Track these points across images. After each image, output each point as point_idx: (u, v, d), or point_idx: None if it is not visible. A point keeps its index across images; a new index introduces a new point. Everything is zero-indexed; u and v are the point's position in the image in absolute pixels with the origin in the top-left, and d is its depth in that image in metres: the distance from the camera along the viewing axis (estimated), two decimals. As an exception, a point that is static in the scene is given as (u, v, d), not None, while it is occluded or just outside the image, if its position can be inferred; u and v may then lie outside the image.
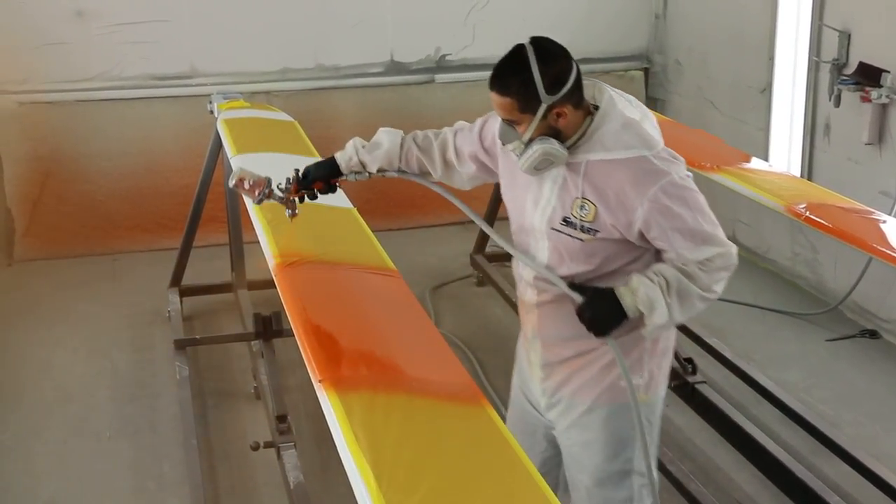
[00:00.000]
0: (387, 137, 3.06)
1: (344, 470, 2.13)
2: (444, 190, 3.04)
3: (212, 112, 5.39)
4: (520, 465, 2.20)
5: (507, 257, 6.33)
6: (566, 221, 2.67)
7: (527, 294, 2.89)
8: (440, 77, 7.14)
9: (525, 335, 2.98)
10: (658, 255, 2.69)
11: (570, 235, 2.67)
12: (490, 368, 5.14)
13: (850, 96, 5.31)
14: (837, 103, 5.41)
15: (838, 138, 5.55)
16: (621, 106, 2.67)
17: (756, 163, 4.60)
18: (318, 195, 3.06)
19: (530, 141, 2.62)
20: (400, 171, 3.06)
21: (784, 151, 6.05)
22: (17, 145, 6.57)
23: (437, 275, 6.29)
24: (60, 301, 6.02)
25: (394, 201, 6.89)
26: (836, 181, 5.24)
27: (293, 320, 2.80)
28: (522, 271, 2.87)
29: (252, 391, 4.85)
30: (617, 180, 2.59)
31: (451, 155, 3.03)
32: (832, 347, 5.33)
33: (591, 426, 2.83)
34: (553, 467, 3.03)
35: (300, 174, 3.02)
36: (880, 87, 5.06)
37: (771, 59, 6.05)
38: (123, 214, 6.78)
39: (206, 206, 5.64)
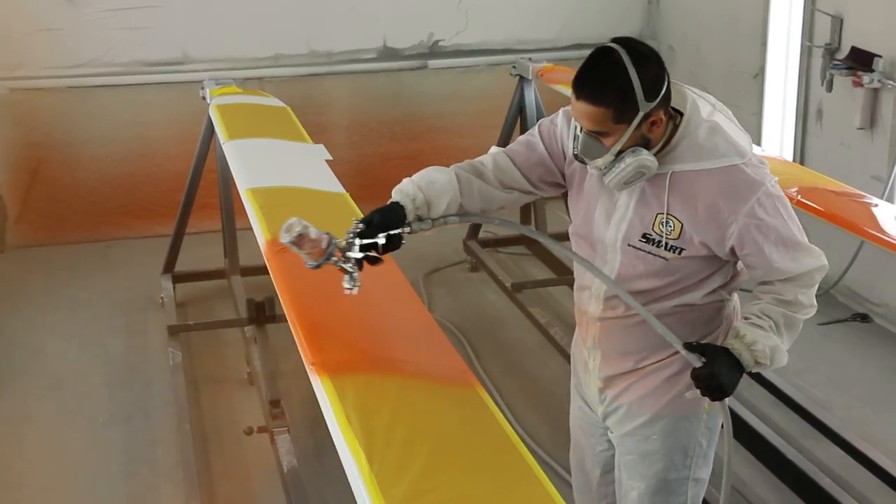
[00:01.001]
0: (438, 173, 2.57)
1: (337, 454, 2.13)
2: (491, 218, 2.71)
3: (204, 98, 5.38)
4: (511, 445, 2.20)
5: (499, 243, 6.38)
6: (647, 238, 2.47)
7: (590, 306, 2.66)
8: (433, 63, 7.13)
9: (583, 342, 2.76)
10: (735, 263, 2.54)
11: (650, 253, 2.47)
12: (483, 353, 5.16)
13: (842, 81, 5.31)
14: (830, 88, 5.42)
15: (830, 123, 5.55)
16: (706, 108, 2.46)
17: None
18: (381, 254, 2.47)
19: (620, 153, 2.37)
20: (463, 216, 2.60)
21: (776, 136, 6.06)
22: (8, 132, 6.55)
23: (431, 260, 6.29)
24: (53, 288, 6.02)
25: (387, 186, 6.82)
26: (829, 166, 5.24)
27: (285, 304, 2.81)
28: (591, 283, 2.63)
29: (245, 377, 4.85)
30: (708, 193, 2.38)
31: (512, 180, 2.63)
32: (824, 331, 5.35)
33: (652, 437, 2.68)
34: (615, 467, 2.88)
35: (358, 227, 2.44)
36: (872, 71, 5.06)
37: (764, 44, 6.05)
38: (116, 201, 6.77)
39: (199, 192, 5.63)
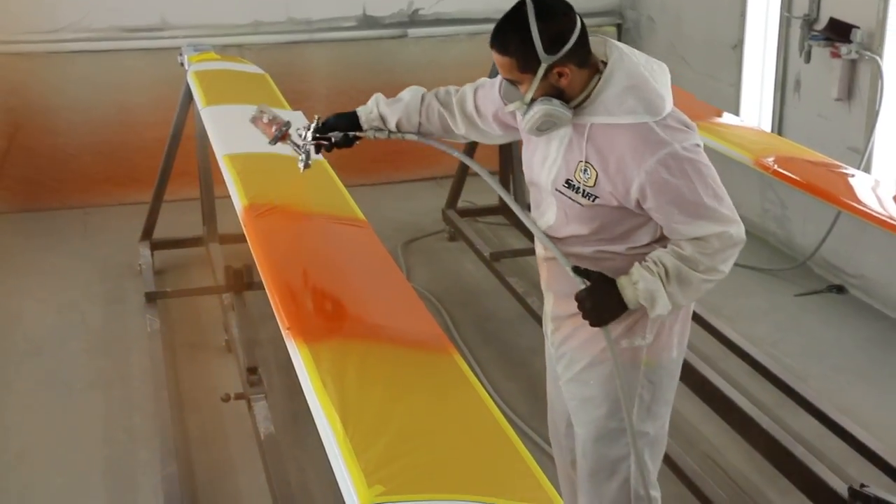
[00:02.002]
0: (408, 93, 2.99)
1: (314, 421, 2.14)
2: (450, 147, 3.01)
3: (182, 65, 5.34)
4: (486, 411, 2.23)
5: (477, 213, 6.39)
6: (568, 184, 2.59)
7: (538, 248, 2.83)
8: (413, 32, 7.09)
9: (542, 287, 2.91)
10: None
11: (570, 198, 2.59)
12: (461, 322, 5.18)
13: (820, 52, 5.33)
14: (808, 59, 5.43)
15: (808, 94, 5.57)
16: (630, 65, 2.53)
17: (726, 117, 4.62)
18: (335, 147, 2.99)
19: (532, 101, 2.51)
20: (419, 133, 2.98)
21: (755, 107, 6.08)
22: (-15, 97, 6.50)
23: (410, 230, 6.30)
24: (30, 254, 5.99)
25: (367, 156, 6.79)
26: (806, 137, 5.27)
27: (262, 269, 2.81)
28: (533, 227, 2.79)
29: (223, 344, 4.85)
30: (618, 147, 2.49)
31: (470, 109, 2.92)
32: (800, 302, 5.39)
33: (591, 381, 2.77)
34: None
35: (319, 122, 2.95)
36: (850, 42, 5.07)
37: (742, 14, 6.05)
38: (94, 168, 6.73)
39: (178, 159, 5.60)
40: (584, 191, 2.56)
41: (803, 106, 5.62)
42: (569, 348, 2.81)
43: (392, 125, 2.95)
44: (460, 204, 6.29)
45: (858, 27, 5.06)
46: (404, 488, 1.89)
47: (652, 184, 2.45)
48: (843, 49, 5.10)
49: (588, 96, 2.53)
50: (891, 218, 3.50)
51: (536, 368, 4.71)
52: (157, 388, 4.41)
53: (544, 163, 2.66)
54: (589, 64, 2.52)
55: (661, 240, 2.62)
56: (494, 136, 2.97)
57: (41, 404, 4.48)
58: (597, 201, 2.55)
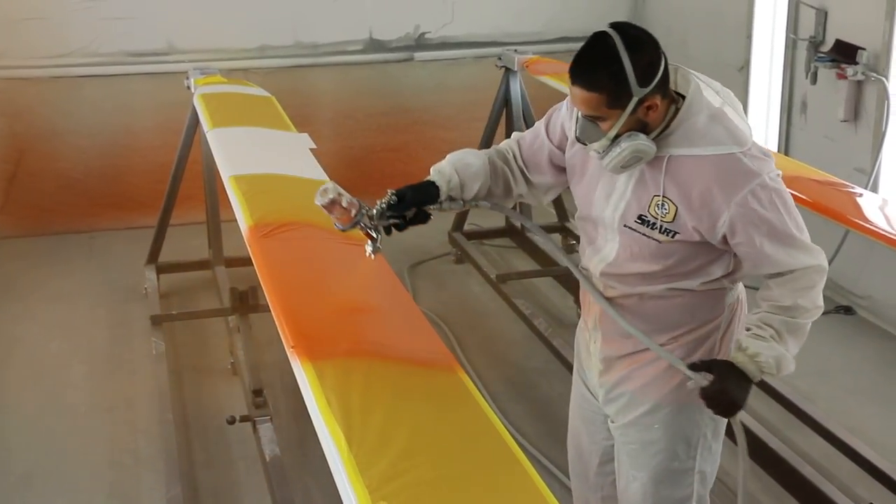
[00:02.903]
0: (471, 156, 2.67)
1: (320, 443, 2.12)
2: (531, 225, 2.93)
3: (189, 88, 5.37)
4: (492, 428, 2.20)
5: (483, 235, 6.38)
6: (642, 220, 2.47)
7: (597, 284, 2.67)
8: (419, 55, 7.12)
9: (586, 325, 2.77)
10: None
11: (645, 235, 2.47)
12: (467, 344, 5.15)
13: (826, 73, 5.33)
14: (814, 81, 5.44)
15: (815, 115, 5.57)
16: (708, 95, 2.44)
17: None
18: (408, 226, 2.59)
19: (616, 137, 2.38)
20: (493, 203, 2.71)
21: (761, 129, 6.07)
22: (-8, 121, 6.53)
23: (416, 252, 6.29)
24: (36, 278, 6.00)
25: (372, 179, 6.85)
26: (813, 158, 5.24)
27: (266, 288, 2.80)
28: (588, 263, 2.66)
29: (229, 367, 4.84)
30: (703, 179, 2.36)
31: (521, 164, 2.73)
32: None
33: (654, 426, 2.66)
34: (614, 456, 2.85)
35: (393, 199, 2.53)
36: (856, 64, 5.08)
37: (749, 37, 6.06)
38: (100, 192, 6.75)
39: (184, 183, 5.62)
40: (661, 226, 2.44)
41: (810, 127, 5.62)
42: (626, 390, 2.68)
43: (471, 193, 2.63)
44: (466, 227, 6.29)
45: (864, 49, 5.07)
46: (409, 505, 1.87)
47: (743, 216, 2.35)
48: (850, 70, 5.10)
49: (666, 128, 2.41)
50: (899, 237, 3.48)
51: (543, 391, 4.71)
52: (162, 411, 4.39)
53: (609, 198, 2.53)
54: (668, 95, 2.41)
55: (733, 273, 2.55)
56: (544, 187, 2.75)
57: (46, 427, 4.46)
58: (676, 237, 2.44)
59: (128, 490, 4.03)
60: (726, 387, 2.41)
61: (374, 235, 2.54)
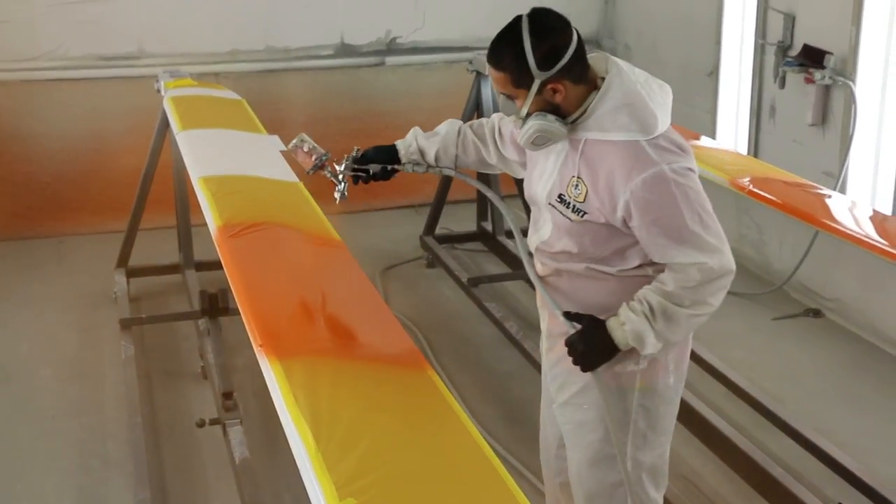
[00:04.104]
0: (445, 126, 2.98)
1: (290, 446, 2.10)
2: (480, 183, 3.01)
3: (159, 91, 5.34)
4: (461, 426, 2.20)
5: (455, 239, 6.39)
6: (560, 198, 2.58)
7: (536, 265, 2.78)
8: (391, 60, 7.12)
9: (537, 303, 2.91)
10: None
11: (562, 213, 2.58)
12: (439, 347, 5.15)
13: (794, 78, 5.36)
14: (782, 85, 5.48)
15: (783, 119, 5.61)
16: (627, 82, 2.51)
17: (703, 140, 4.64)
18: (372, 180, 2.97)
19: (527, 116, 2.52)
20: (457, 169, 2.98)
21: (731, 133, 6.12)
22: (-40, 125, 6.46)
23: (388, 257, 6.29)
24: (4, 283, 5.95)
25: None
26: (782, 162, 5.27)
27: (235, 288, 2.79)
28: (530, 241, 2.79)
29: (199, 371, 4.80)
30: (607, 163, 2.48)
31: (496, 136, 2.92)
32: (777, 326, 5.40)
33: (584, 406, 2.73)
34: None
35: (358, 154, 2.94)
36: (823, 68, 5.11)
37: (718, 42, 6.10)
38: (70, 196, 6.70)
39: (154, 187, 5.58)
40: (573, 206, 2.55)
41: (778, 131, 5.66)
42: (562, 370, 2.77)
43: (431, 158, 2.93)
44: (438, 231, 6.29)
45: (832, 53, 5.11)
46: (377, 501, 1.86)
47: (636, 202, 2.44)
48: (817, 75, 5.14)
49: (585, 112, 2.52)
50: (867, 237, 3.51)
51: (514, 393, 4.71)
52: (131, 415, 4.35)
53: (541, 177, 2.66)
54: (587, 80, 2.52)
55: (654, 264, 2.58)
56: (514, 162, 2.92)
57: (13, 432, 4.41)
58: (585, 217, 2.54)
59: (96, 494, 3.99)
60: (587, 339, 2.53)
61: (337, 182, 2.94)
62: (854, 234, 3.53)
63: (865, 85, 5.02)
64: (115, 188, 6.61)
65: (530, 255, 2.76)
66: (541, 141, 2.53)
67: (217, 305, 4.83)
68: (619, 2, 7.32)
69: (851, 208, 3.93)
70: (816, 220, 3.68)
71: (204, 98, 5.12)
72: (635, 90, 2.51)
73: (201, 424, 4.06)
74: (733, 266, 2.52)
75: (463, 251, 6.38)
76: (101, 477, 4.10)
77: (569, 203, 2.56)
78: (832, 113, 5.21)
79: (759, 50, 5.72)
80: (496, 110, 5.79)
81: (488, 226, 6.26)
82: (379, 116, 7.12)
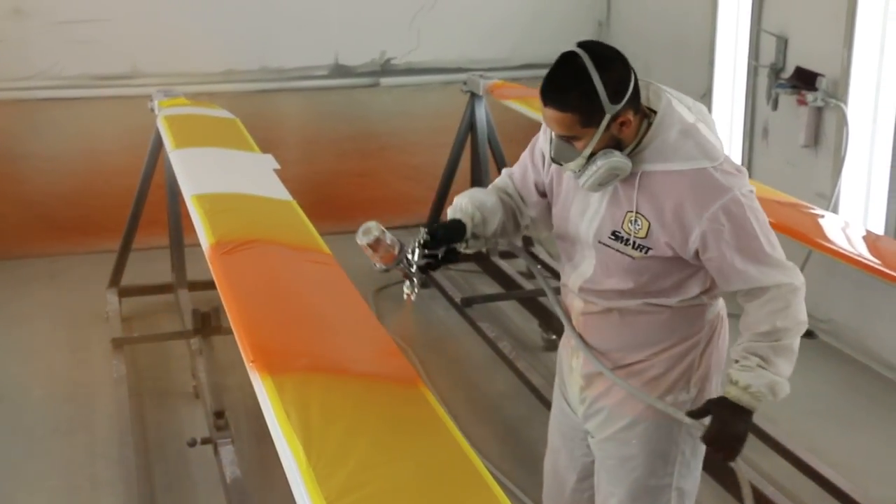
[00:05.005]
0: (483, 195, 2.69)
1: (282, 465, 2.09)
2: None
3: (152, 110, 5.34)
4: (453, 442, 2.19)
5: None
6: (616, 236, 2.47)
7: (573, 303, 2.68)
8: (385, 80, 7.14)
9: (568, 341, 2.76)
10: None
11: (619, 251, 2.47)
12: (432, 368, 5.13)
13: (787, 100, 5.39)
14: (775, 106, 5.50)
15: (776, 141, 5.63)
16: (680, 110, 2.44)
17: (695, 161, 4.64)
18: (441, 265, 2.63)
19: (591, 155, 2.38)
20: (508, 243, 2.82)
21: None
22: (-47, 144, 6.46)
23: (381, 277, 6.18)
24: (-5, 302, 5.93)
25: (337, 204, 6.85)
26: (775, 183, 5.28)
27: (227, 304, 2.78)
28: (568, 281, 2.67)
29: (191, 390, 4.79)
30: (675, 194, 2.37)
31: (516, 196, 2.75)
32: (770, 347, 5.38)
33: (632, 441, 2.65)
34: (593, 472, 2.83)
35: (426, 237, 2.55)
36: (816, 90, 5.14)
37: (711, 64, 6.13)
38: (62, 216, 6.69)
39: (148, 208, 5.58)
40: (634, 242, 2.45)
41: (771, 153, 5.68)
42: (605, 405, 2.67)
43: (491, 229, 2.65)
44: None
45: (824, 75, 5.14)
46: (367, 517, 1.86)
47: (714, 231, 2.35)
48: (810, 97, 5.17)
49: (638, 144, 2.42)
50: (861, 256, 3.52)
51: (508, 413, 4.69)
52: (122, 434, 4.34)
53: (583, 215, 2.53)
54: (640, 110, 2.42)
55: (711, 289, 2.54)
56: (540, 217, 2.75)
57: (3, 452, 4.38)
58: (650, 253, 2.44)
59: (85, 514, 3.97)
60: (725, 426, 2.43)
61: (412, 275, 2.57)
62: (847, 254, 3.54)
63: (857, 107, 5.04)
64: (108, 208, 6.60)
65: (569, 320, 2.67)
66: (609, 180, 2.40)
67: (209, 324, 4.82)
68: (612, 24, 7.36)
69: (844, 228, 3.95)
70: (810, 239, 3.69)
71: (198, 117, 5.12)
72: (688, 116, 2.44)
73: (193, 444, 4.03)
74: (803, 278, 2.48)
75: (456, 271, 6.37)
76: (92, 497, 4.08)
77: (628, 240, 2.45)
78: (824, 134, 5.24)
79: (752, 72, 5.75)
80: (490, 130, 5.92)
81: (482, 246, 6.25)
82: (373, 137, 7.14)
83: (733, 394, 2.41)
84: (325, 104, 7.03)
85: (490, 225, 2.65)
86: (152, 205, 5.61)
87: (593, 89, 2.30)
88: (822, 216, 3.95)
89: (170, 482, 4.16)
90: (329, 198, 6.77)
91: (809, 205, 4.11)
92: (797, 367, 5.15)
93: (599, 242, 2.51)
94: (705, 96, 6.20)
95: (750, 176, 5.87)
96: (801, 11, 5.37)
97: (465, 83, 5.98)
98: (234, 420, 4.31)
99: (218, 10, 6.72)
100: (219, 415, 4.14)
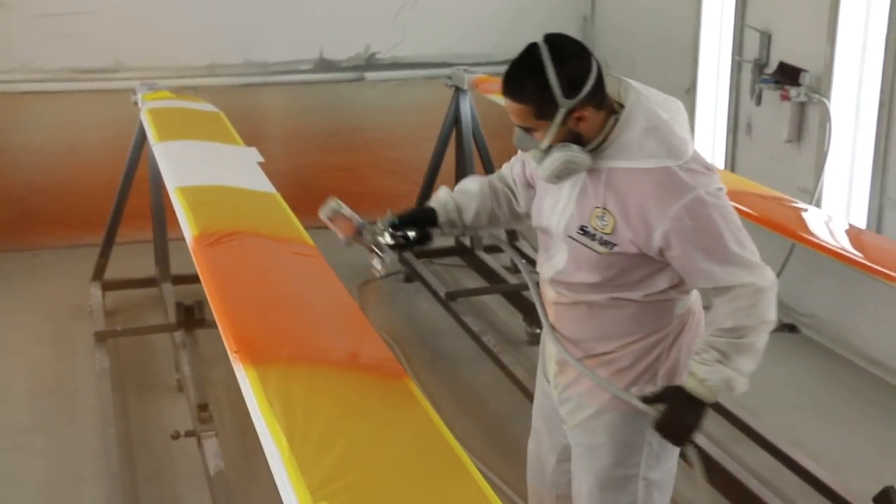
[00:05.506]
0: (474, 184, 2.82)
1: (266, 457, 2.08)
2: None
3: (136, 103, 5.32)
4: (437, 432, 2.19)
5: (433, 254, 6.37)
6: (583, 231, 2.48)
7: (546, 292, 2.70)
8: (370, 75, 7.13)
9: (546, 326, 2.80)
10: None
11: (586, 246, 2.48)
12: (417, 362, 5.13)
13: (770, 95, 5.41)
14: (759, 102, 5.52)
15: (760, 136, 5.65)
16: (649, 106, 2.43)
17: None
18: (410, 247, 2.76)
19: (549, 148, 2.40)
20: (491, 234, 2.90)
21: (708, 150, 6.15)
22: (-66, 138, 6.42)
23: (366, 271, 6.14)
24: (-24, 296, 5.90)
25: (321, 198, 6.74)
26: (758, 178, 5.30)
27: (210, 296, 2.77)
28: (541, 269, 2.68)
29: (175, 383, 4.77)
30: (639, 192, 2.37)
31: (511, 182, 2.82)
32: (753, 341, 5.40)
33: (598, 430, 2.66)
34: (571, 457, 2.86)
35: (395, 218, 2.71)
36: (799, 85, 5.16)
37: (695, 59, 6.15)
38: (45, 209, 6.66)
39: (131, 202, 5.56)
40: (601, 238, 2.45)
41: (755, 148, 5.70)
42: (574, 393, 2.70)
43: (469, 216, 2.76)
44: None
45: (807, 71, 5.15)
46: (351, 504, 1.85)
47: (677, 231, 2.35)
48: (793, 92, 5.19)
49: (605, 139, 2.42)
50: (843, 250, 3.54)
51: (492, 407, 4.70)
52: (105, 428, 4.31)
53: (554, 208, 2.56)
54: (606, 105, 2.41)
55: (679, 285, 2.54)
56: (525, 206, 2.81)
57: (-16, 445, 4.38)
58: (615, 249, 2.44)
59: (67, 507, 3.96)
60: (677, 414, 2.44)
61: (378, 251, 2.70)
62: (830, 247, 3.56)
63: (840, 102, 5.07)
64: (91, 201, 6.58)
65: (553, 327, 2.69)
66: (566, 173, 2.42)
67: (193, 317, 4.81)
68: (597, 20, 7.37)
69: (827, 222, 3.96)
70: (793, 232, 3.70)
71: (182, 110, 5.11)
72: (656, 113, 2.42)
73: (176, 437, 4.02)
74: (774, 276, 2.46)
75: (441, 266, 6.38)
76: (75, 490, 4.06)
77: (594, 235, 2.46)
78: (807, 130, 5.26)
79: (736, 67, 5.77)
80: (475, 125, 5.92)
81: (466, 241, 6.26)
82: (358, 131, 7.13)
83: (690, 385, 2.43)
84: (309, 98, 7.03)
85: (467, 212, 2.74)
86: (136, 198, 5.59)
87: (547, 83, 2.32)
88: (805, 210, 3.97)
89: (153, 475, 4.15)
90: (313, 192, 6.64)
91: (790, 198, 4.13)
92: (780, 362, 5.22)
93: (569, 237, 2.52)
94: (689, 91, 6.21)
95: (733, 170, 5.96)
96: (784, 7, 5.39)
97: (449, 78, 5.98)
98: (218, 413, 4.31)
99: (202, 4, 6.70)
100: (202, 408, 4.13)
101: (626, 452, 2.66)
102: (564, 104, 2.33)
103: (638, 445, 2.66)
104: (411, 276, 6.14)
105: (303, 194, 6.46)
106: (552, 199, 2.57)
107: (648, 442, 2.66)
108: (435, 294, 5.70)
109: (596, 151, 2.42)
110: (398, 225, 2.69)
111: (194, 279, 3.46)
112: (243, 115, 6.38)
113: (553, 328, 2.66)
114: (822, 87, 5.09)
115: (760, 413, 4.57)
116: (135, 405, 4.71)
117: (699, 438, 3.97)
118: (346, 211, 2.71)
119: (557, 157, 2.39)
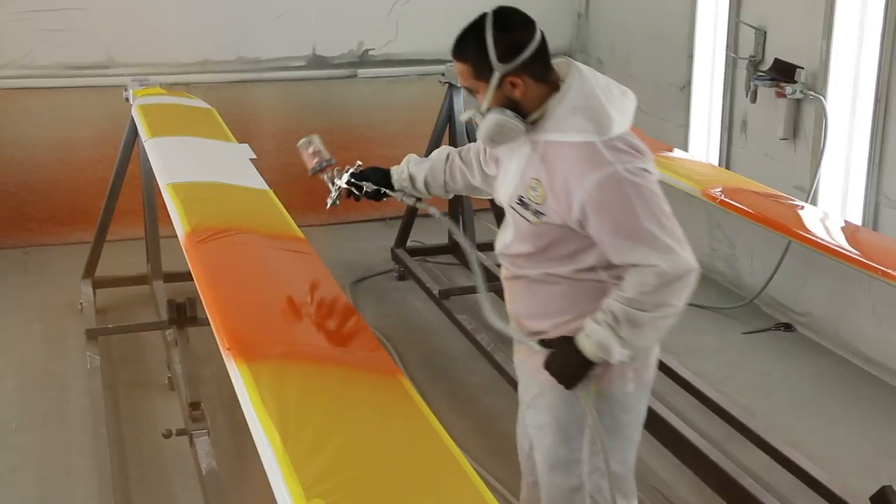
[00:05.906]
0: (436, 153, 3.05)
1: (258, 456, 2.05)
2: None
3: (127, 99, 5.29)
4: (428, 426, 2.17)
5: (426, 252, 6.35)
6: (521, 200, 2.61)
7: (503, 268, 2.83)
8: (363, 72, 7.10)
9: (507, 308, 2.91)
10: None
11: (522, 216, 2.60)
12: (410, 359, 5.11)
13: (765, 92, 5.38)
14: (754, 99, 5.49)
15: (755, 134, 5.63)
16: (585, 85, 2.53)
17: (676, 152, 4.64)
18: (363, 198, 3.04)
19: (487, 111, 2.55)
20: (446, 190, 3.05)
21: (703, 147, 6.13)
22: (-77, 134, 6.37)
23: (359, 269, 6.25)
24: (-33, 294, 5.85)
25: (315, 195, 6.77)
26: (754, 176, 5.28)
27: (202, 292, 2.74)
28: (496, 244, 2.82)
29: (167, 382, 4.74)
30: (564, 164, 2.49)
31: (482, 157, 2.94)
32: (748, 340, 5.39)
33: (543, 409, 2.76)
34: None
35: (358, 169, 3.03)
36: (794, 82, 5.13)
37: (690, 56, 6.12)
38: (36, 206, 6.61)
39: (123, 199, 5.52)
40: (533, 208, 2.56)
41: (750, 145, 5.68)
42: (524, 374, 2.83)
43: (420, 184, 3.01)
44: (409, 243, 6.25)
45: (802, 68, 5.13)
46: (345, 502, 1.82)
47: (591, 202, 2.44)
48: (788, 89, 5.16)
49: (544, 113, 2.54)
50: (839, 247, 3.52)
51: (486, 406, 4.67)
52: (96, 426, 4.28)
53: (505, 179, 2.69)
54: (548, 80, 2.55)
55: (610, 267, 2.57)
56: (481, 180, 2.97)
57: (-26, 443, 4.33)
58: (543, 219, 2.55)
59: (58, 506, 3.92)
60: (562, 358, 2.56)
61: (332, 190, 3.02)
62: (826, 244, 3.54)
63: (836, 99, 5.04)
64: (82, 198, 6.54)
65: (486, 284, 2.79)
66: (499, 137, 2.56)
67: (185, 315, 4.74)
68: (592, 17, 7.34)
69: (823, 219, 3.95)
70: (788, 229, 3.69)
71: (173, 106, 5.07)
72: (593, 93, 2.53)
73: (168, 435, 3.98)
74: (692, 265, 2.48)
75: (434, 264, 6.35)
76: (66, 489, 4.02)
77: (528, 205, 2.58)
78: (803, 127, 5.24)
79: (731, 64, 5.75)
80: (469, 123, 5.86)
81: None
82: (351, 128, 7.10)
83: (579, 338, 2.54)
84: (302, 95, 6.98)
85: (417, 182, 3.00)
86: (127, 195, 5.55)
87: (484, 45, 2.49)
88: (801, 207, 3.95)
89: (144, 474, 4.12)
90: (305, 189, 6.64)
91: (786, 195, 4.11)
92: (775, 360, 5.20)
93: (511, 207, 2.65)
94: (684, 88, 6.19)
95: (728, 168, 5.93)
96: (779, 3, 5.37)
97: (443, 74, 5.95)
98: (210, 411, 4.27)
99: (194, 0, 6.65)
100: (194, 406, 4.09)
101: (568, 434, 2.73)
102: (499, 68, 2.49)
103: (576, 428, 2.73)
104: (405, 274, 6.12)
105: (295, 192, 6.47)
106: (504, 170, 2.71)
107: (589, 425, 2.71)
108: (428, 292, 5.68)
109: (536, 125, 2.55)
110: (358, 176, 3.00)
111: (186, 276, 3.43)
112: (236, 111, 6.36)
113: (486, 299, 2.73)
114: (818, 84, 5.07)
115: (756, 412, 4.56)
116: (126, 403, 4.67)
117: (697, 439, 4.03)
118: (320, 147, 3.08)
119: (490, 119, 2.53)
